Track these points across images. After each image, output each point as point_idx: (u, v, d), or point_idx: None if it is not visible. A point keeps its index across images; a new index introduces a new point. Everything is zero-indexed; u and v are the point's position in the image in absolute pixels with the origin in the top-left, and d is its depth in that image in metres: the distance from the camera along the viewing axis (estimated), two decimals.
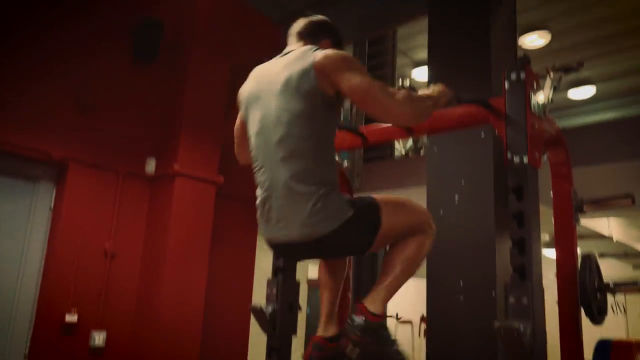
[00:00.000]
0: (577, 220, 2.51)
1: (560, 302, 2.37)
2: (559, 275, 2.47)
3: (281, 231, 1.79)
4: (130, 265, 4.38)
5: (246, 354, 4.96)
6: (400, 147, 6.21)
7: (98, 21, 4.39)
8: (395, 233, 1.86)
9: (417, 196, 3.73)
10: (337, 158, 2.14)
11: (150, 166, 4.53)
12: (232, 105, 4.79)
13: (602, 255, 7.31)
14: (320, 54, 1.75)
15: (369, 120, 5.42)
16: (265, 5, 5.05)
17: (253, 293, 5.11)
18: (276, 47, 5.49)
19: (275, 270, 2.79)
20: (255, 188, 1.89)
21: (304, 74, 1.74)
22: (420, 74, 7.41)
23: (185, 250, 4.31)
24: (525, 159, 2.02)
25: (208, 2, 4.72)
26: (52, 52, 4.14)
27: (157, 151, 4.59)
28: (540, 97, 2.21)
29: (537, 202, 2.10)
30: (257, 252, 5.30)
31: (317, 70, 1.72)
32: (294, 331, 2.70)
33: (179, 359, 4.13)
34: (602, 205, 2.54)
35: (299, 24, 2.02)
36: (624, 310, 7.93)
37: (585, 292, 2.35)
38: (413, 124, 1.90)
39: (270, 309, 2.64)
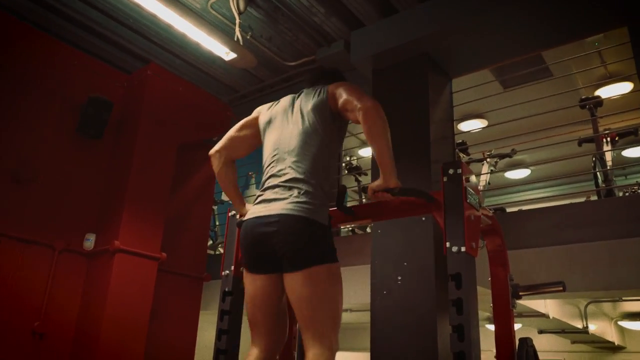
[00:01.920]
0: (514, 305, 2.61)
1: None
2: (498, 356, 2.53)
3: (265, 208, 2.10)
4: (61, 346, 4.11)
5: None
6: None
7: (45, 96, 4.35)
8: (323, 297, 2.03)
9: (362, 274, 3.79)
10: None
11: (89, 242, 4.39)
12: (177, 180, 4.82)
13: (542, 331, 7.49)
14: (332, 85, 2.25)
15: None
16: (216, 87, 5.21)
17: None
18: (225, 126, 5.65)
19: (217, 353, 2.72)
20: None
21: (321, 102, 2.22)
22: (366, 152, 7.77)
23: (121, 327, 4.10)
24: (463, 248, 2.12)
25: (158, 82, 4.79)
26: None
27: (98, 226, 4.46)
28: (474, 179, 2.34)
29: (475, 289, 2.19)
30: (198, 328, 5.13)
31: (330, 98, 2.21)
32: None
33: None
34: (537, 291, 2.66)
35: (311, 73, 2.49)
36: None
37: None
38: (374, 118, 2.07)
39: None
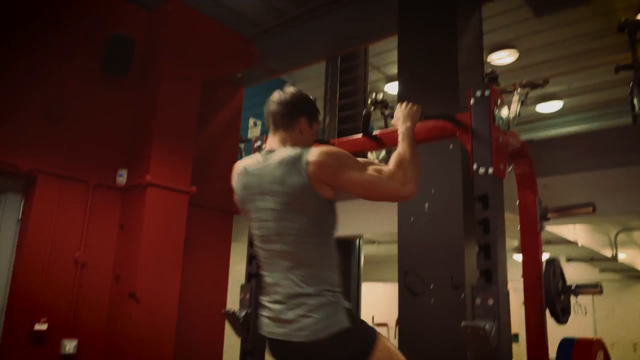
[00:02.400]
0: (542, 227, 2.62)
1: (527, 304, 2.47)
2: (525, 279, 2.56)
3: (277, 328, 1.81)
4: (102, 274, 4.34)
5: None
6: (373, 156, 6.31)
7: (70, 36, 4.39)
8: None
9: (388, 204, 3.82)
10: None
11: (122, 177, 4.52)
12: (204, 117, 4.86)
13: (570, 259, 7.51)
14: (311, 163, 1.76)
15: (340, 134, 5.51)
16: (238, 22, 5.12)
17: (227, 300, 5.10)
18: (248, 62, 5.59)
19: (249, 276, 2.83)
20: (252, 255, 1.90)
21: (302, 188, 1.77)
22: (393, 89, 7.59)
23: (157, 259, 4.30)
24: (490, 170, 2.11)
25: (180, 18, 4.76)
26: (21, 65, 4.12)
27: (129, 162, 4.58)
28: (504, 112, 2.31)
29: (502, 210, 2.19)
30: (230, 259, 5.31)
31: (315, 181, 1.76)
32: None
33: None
34: (566, 213, 2.64)
35: (273, 108, 1.98)
36: (586, 312, 8.18)
37: (549, 294, 2.44)
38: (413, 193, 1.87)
39: (243, 313, 2.69)
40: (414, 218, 3.37)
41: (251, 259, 2.86)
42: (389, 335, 9.24)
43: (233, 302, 5.26)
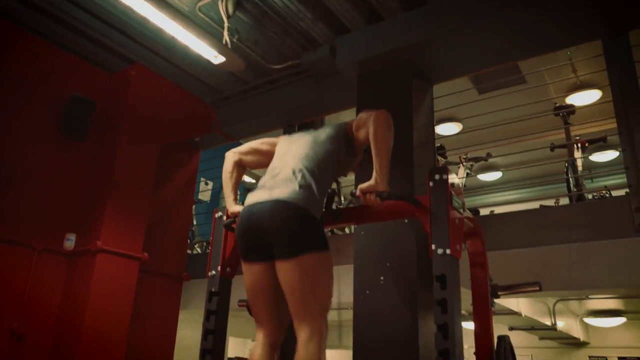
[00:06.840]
0: (493, 304, 2.74)
1: None
2: (478, 354, 2.65)
3: (265, 194, 2.25)
4: (41, 346, 4.08)
5: None
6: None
7: (26, 96, 4.31)
8: (314, 284, 2.15)
9: (345, 274, 3.87)
10: None
11: (70, 242, 4.36)
12: (158, 180, 4.81)
13: (512, 328, 7.71)
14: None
15: None
16: (200, 88, 5.22)
17: None
18: (207, 127, 5.60)
19: (203, 353, 2.77)
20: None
21: (335, 127, 2.52)
22: None
23: (102, 328, 4.10)
24: (448, 251, 2.23)
25: (141, 82, 4.78)
26: None
27: (79, 227, 4.42)
28: (456, 180, 2.50)
29: (459, 290, 2.30)
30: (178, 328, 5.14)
31: (348, 125, 2.52)
32: None
33: None
34: (514, 291, 2.79)
35: None
36: None
37: None
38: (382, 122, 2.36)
39: None
40: (369, 291, 3.43)
41: (207, 334, 2.81)
42: None
43: None
